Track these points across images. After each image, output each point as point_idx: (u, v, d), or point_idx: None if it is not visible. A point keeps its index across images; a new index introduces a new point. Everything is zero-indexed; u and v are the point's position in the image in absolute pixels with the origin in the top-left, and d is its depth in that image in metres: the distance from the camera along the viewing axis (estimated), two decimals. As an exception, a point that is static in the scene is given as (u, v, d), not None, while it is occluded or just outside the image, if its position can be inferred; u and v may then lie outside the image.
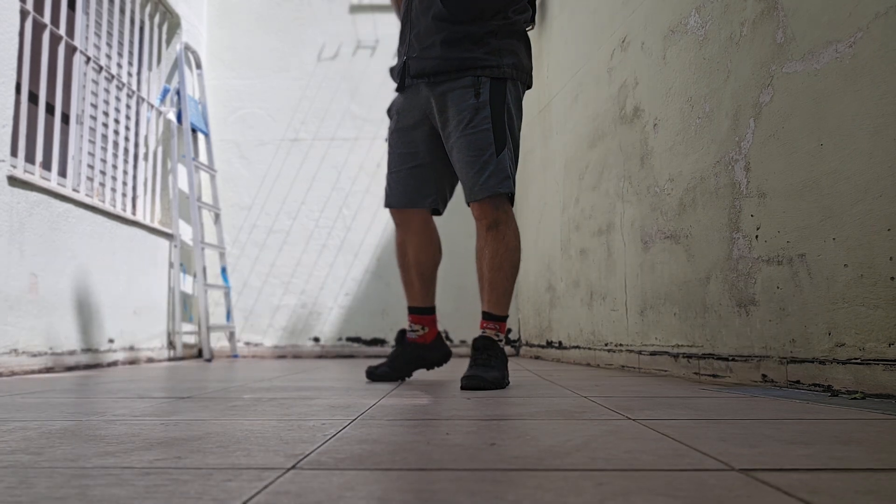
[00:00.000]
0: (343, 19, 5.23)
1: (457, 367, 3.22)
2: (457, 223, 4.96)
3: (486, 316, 2.13)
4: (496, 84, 2.07)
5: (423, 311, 2.35)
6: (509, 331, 4.99)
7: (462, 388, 1.95)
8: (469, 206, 2.11)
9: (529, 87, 2.21)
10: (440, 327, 4.93)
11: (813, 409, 1.40)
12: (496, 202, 2.07)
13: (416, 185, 2.25)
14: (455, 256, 4.94)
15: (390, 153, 2.29)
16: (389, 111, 2.32)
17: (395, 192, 2.28)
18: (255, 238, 5.05)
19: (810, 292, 1.82)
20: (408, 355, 2.32)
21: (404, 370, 2.32)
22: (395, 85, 2.32)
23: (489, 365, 2.01)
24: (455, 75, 2.08)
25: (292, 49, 5.20)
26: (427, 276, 2.34)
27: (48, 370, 3.05)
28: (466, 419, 1.27)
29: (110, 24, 4.00)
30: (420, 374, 2.65)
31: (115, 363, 3.67)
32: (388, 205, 2.31)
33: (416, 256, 2.31)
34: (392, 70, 2.28)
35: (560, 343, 3.94)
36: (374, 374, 2.30)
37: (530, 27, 2.20)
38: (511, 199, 2.11)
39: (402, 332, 2.36)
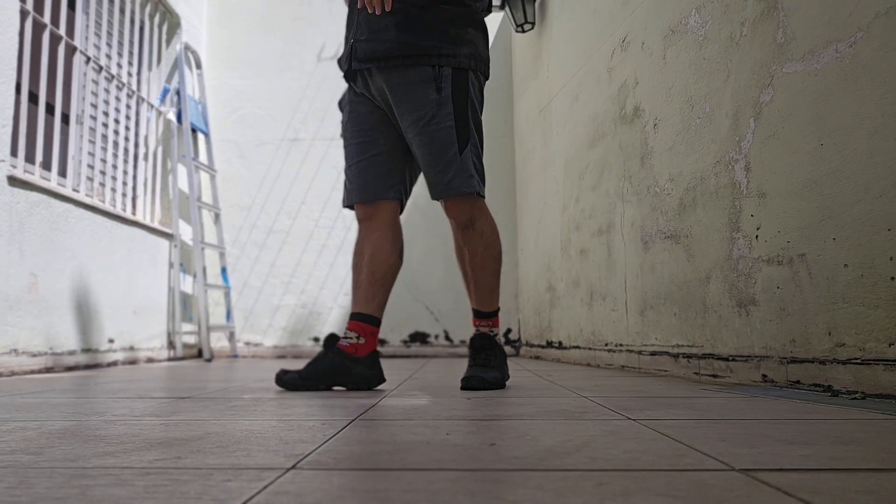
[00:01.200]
0: (343, 19, 5.23)
1: (457, 367, 3.22)
2: (457, 223, 4.95)
3: (477, 314, 2.10)
4: (458, 75, 1.96)
5: (364, 319, 2.04)
6: (509, 330, 4.99)
7: (462, 388, 1.94)
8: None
9: (487, 77, 2.11)
10: (440, 328, 4.94)
11: (813, 409, 1.40)
12: (469, 200, 2.00)
13: (378, 174, 2.06)
14: (454, 256, 4.94)
15: (346, 147, 2.11)
16: (341, 103, 2.16)
17: (357, 185, 2.07)
18: (255, 238, 5.05)
19: (810, 292, 1.82)
20: (332, 362, 1.98)
21: (321, 379, 1.97)
22: None
23: (488, 365, 1.99)
24: (409, 62, 1.95)
25: (292, 49, 5.20)
26: (378, 277, 2.05)
27: (48, 370, 3.05)
28: (466, 419, 1.27)
29: (110, 24, 4.00)
30: (420, 375, 2.64)
31: (114, 363, 3.67)
32: (350, 201, 2.08)
33: (373, 254, 2.06)
34: (340, 60, 2.10)
35: (560, 343, 3.94)
36: (281, 380, 1.97)
37: (486, 14, 2.11)
38: (483, 194, 2.03)
39: (332, 336, 2.05)
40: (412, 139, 2.00)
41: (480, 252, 2.05)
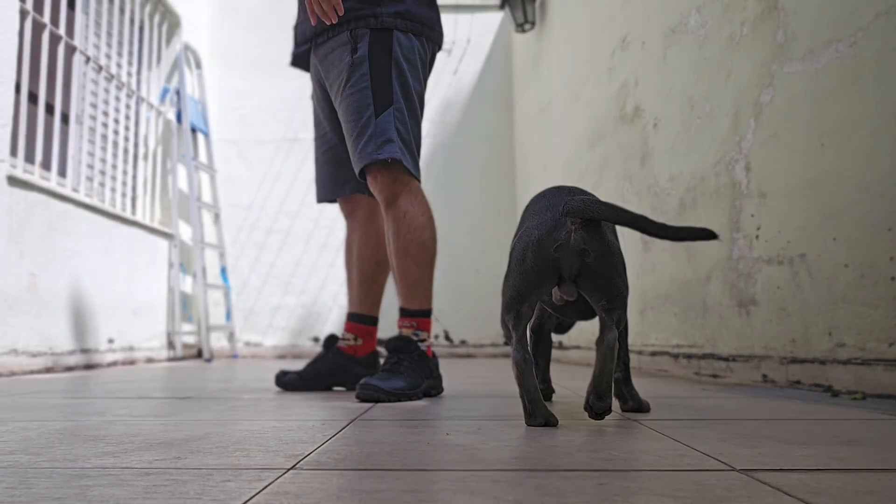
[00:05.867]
0: (343, 19, 5.22)
1: (457, 368, 3.22)
2: (455, 222, 4.95)
3: (401, 311, 1.83)
4: (378, 35, 1.78)
5: (360, 319, 2.03)
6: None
7: (356, 397, 1.64)
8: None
9: (438, 43, 1.92)
10: (440, 327, 4.94)
11: (813, 410, 1.40)
12: (393, 174, 1.75)
13: (331, 170, 2.01)
14: (454, 257, 4.94)
15: (313, 142, 2.12)
16: (312, 97, 2.10)
17: (317, 182, 2.07)
18: (254, 238, 5.05)
19: (811, 292, 1.82)
20: (331, 363, 1.98)
21: (320, 380, 1.96)
22: None
23: (395, 371, 1.68)
24: (331, 32, 1.84)
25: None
26: (367, 276, 2.01)
27: (48, 370, 3.05)
28: (466, 419, 1.27)
29: (110, 23, 3.99)
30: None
31: (114, 363, 3.67)
32: (317, 199, 2.09)
33: (359, 251, 2.02)
34: None
35: (560, 343, 3.94)
36: (281, 381, 1.96)
37: None
38: (411, 169, 1.77)
39: (331, 337, 2.05)
40: (338, 113, 1.85)
41: (403, 235, 1.76)
